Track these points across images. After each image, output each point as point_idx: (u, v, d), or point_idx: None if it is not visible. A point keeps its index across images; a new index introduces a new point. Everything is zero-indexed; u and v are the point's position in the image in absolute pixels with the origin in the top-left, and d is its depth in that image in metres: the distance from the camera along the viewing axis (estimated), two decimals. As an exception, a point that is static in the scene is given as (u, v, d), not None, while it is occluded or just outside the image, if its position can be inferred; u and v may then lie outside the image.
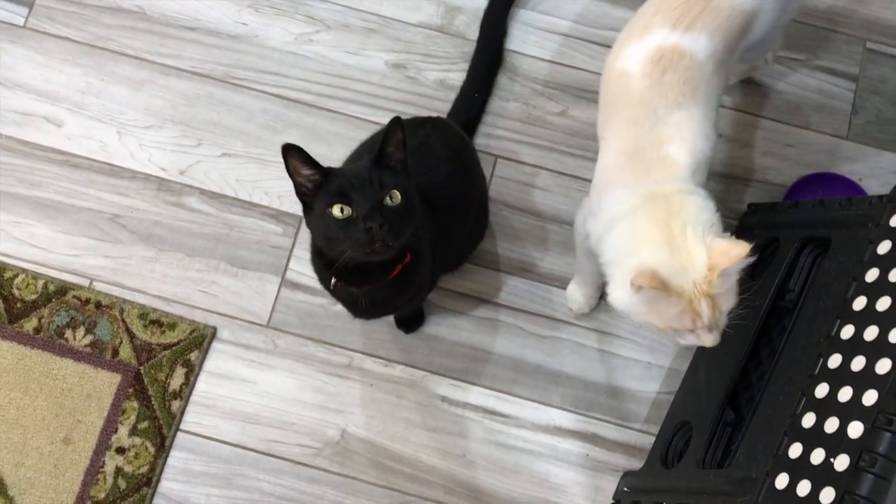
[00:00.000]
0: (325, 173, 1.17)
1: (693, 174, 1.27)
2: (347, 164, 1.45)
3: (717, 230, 1.22)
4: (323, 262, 1.28)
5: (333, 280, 1.27)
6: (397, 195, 1.17)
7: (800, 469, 1.16)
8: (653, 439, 1.60)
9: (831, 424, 1.16)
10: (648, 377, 1.66)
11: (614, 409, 1.64)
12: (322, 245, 1.22)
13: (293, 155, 1.14)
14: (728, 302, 1.20)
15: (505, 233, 1.73)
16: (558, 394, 1.64)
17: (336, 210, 1.14)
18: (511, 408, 1.63)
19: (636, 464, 1.60)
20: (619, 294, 1.24)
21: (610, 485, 1.59)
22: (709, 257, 1.17)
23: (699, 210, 1.23)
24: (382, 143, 1.18)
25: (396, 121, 1.17)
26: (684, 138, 1.27)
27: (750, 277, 1.57)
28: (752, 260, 1.16)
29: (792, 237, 1.52)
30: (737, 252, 1.15)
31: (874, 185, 1.77)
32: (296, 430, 1.61)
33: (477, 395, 1.64)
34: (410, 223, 1.19)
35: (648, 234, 1.21)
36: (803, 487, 1.13)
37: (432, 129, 1.42)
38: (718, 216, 1.25)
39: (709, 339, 1.22)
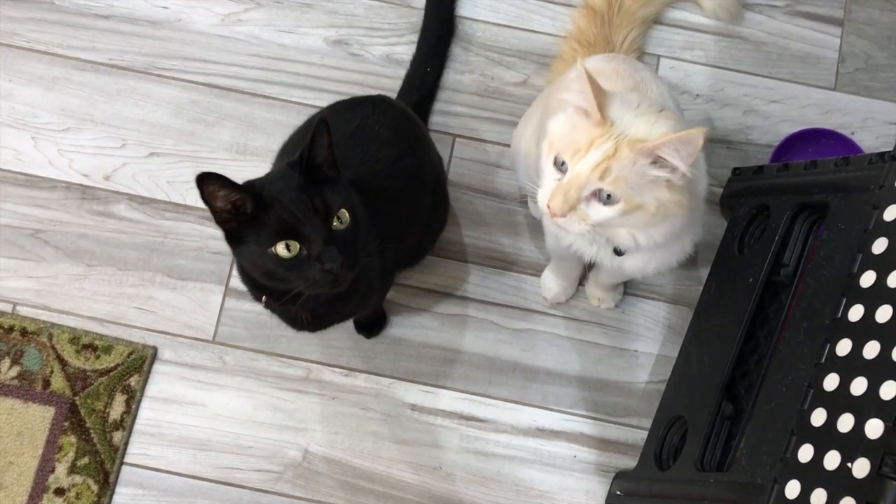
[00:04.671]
0: (254, 196, 1.00)
1: None
2: (282, 154, 1.31)
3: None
4: (250, 280, 1.13)
5: (264, 298, 1.13)
6: (346, 215, 1.04)
7: (812, 475, 1.05)
8: (645, 434, 1.50)
9: (845, 422, 1.04)
10: (636, 366, 1.57)
11: (601, 405, 1.55)
12: (264, 282, 1.08)
13: (210, 184, 0.97)
14: (618, 183, 1.04)
15: (469, 219, 1.63)
16: (538, 392, 1.55)
17: (281, 249, 1.00)
18: (488, 411, 1.54)
19: (629, 462, 1.51)
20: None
21: (601, 487, 1.51)
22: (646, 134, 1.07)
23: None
24: (309, 152, 1.02)
25: (322, 124, 1.01)
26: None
27: (738, 251, 1.46)
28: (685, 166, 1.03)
29: (783, 204, 1.42)
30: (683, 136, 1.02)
31: (867, 139, 1.68)
32: (253, 453, 1.50)
33: (449, 400, 1.54)
34: (363, 240, 1.07)
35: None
36: (818, 497, 1.02)
37: (371, 110, 1.28)
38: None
39: (554, 201, 1.06)
